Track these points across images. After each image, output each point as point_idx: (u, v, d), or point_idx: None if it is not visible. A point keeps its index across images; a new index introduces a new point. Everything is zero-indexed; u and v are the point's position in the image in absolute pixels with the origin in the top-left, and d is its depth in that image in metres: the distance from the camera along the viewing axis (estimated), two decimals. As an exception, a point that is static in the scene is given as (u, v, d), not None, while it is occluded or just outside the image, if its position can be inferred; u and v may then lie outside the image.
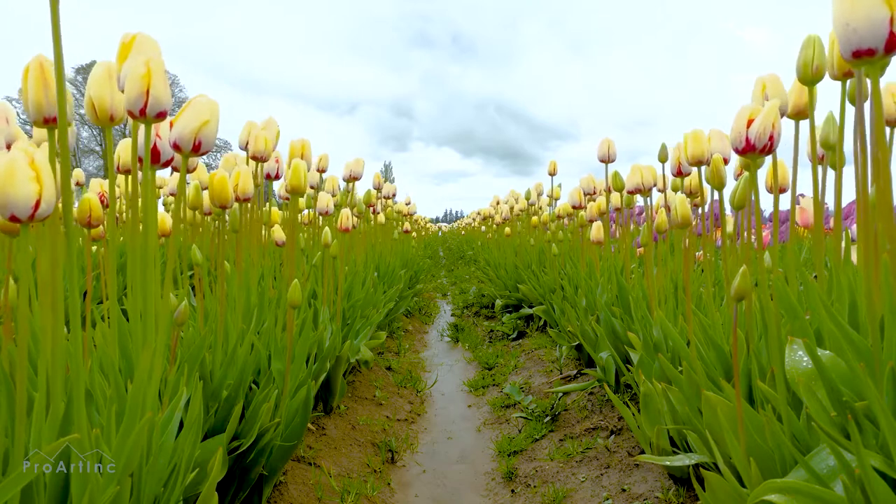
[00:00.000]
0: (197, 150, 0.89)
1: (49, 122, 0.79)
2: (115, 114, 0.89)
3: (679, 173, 1.71)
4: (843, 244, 1.15)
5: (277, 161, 1.83)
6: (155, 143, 0.94)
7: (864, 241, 0.80)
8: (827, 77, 1.01)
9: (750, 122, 0.91)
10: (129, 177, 1.50)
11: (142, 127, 0.88)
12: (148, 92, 0.80)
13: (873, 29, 0.67)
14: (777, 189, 1.19)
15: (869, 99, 0.77)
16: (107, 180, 1.78)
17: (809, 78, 0.99)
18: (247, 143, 1.75)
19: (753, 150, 0.91)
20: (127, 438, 0.76)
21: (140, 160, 0.94)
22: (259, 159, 1.65)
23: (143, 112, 0.81)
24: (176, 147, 0.89)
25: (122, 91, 0.84)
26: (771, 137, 0.91)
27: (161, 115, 0.83)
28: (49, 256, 0.72)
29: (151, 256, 0.86)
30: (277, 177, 1.86)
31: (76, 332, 0.72)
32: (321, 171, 2.58)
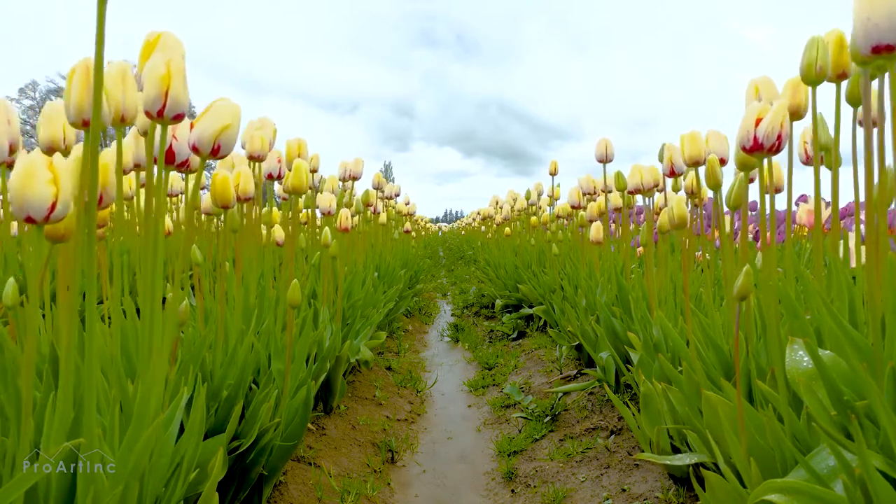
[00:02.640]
0: (216, 153, 0.88)
1: (87, 125, 0.79)
2: (127, 114, 0.89)
3: (672, 174, 1.72)
4: (842, 244, 1.15)
5: (280, 161, 1.83)
6: (171, 145, 0.94)
7: (866, 240, 0.80)
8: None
9: (758, 122, 0.91)
10: (136, 178, 1.51)
11: (149, 127, 0.88)
12: (167, 93, 0.80)
13: (893, 25, 0.68)
14: (773, 189, 1.19)
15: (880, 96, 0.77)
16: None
17: (813, 78, 1.00)
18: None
19: (762, 149, 0.92)
20: (135, 443, 0.76)
21: (151, 160, 0.94)
22: (257, 159, 1.65)
23: (160, 113, 0.81)
24: (195, 149, 0.89)
25: (142, 90, 0.84)
26: (779, 137, 0.91)
27: (178, 118, 0.82)
28: (70, 258, 0.72)
29: (159, 257, 0.86)
30: (280, 177, 1.86)
31: (91, 335, 0.72)
32: (313, 171, 2.58)
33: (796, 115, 1.09)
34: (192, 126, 0.89)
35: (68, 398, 0.71)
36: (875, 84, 0.83)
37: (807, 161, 1.16)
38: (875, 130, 0.81)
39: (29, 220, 0.65)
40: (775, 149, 0.92)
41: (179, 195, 2.63)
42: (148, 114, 0.82)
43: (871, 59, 0.71)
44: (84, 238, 0.74)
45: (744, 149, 0.93)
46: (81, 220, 0.74)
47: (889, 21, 0.68)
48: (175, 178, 2.50)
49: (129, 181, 1.67)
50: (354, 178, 2.88)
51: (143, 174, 1.46)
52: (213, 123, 0.87)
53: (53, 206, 0.65)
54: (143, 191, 1.47)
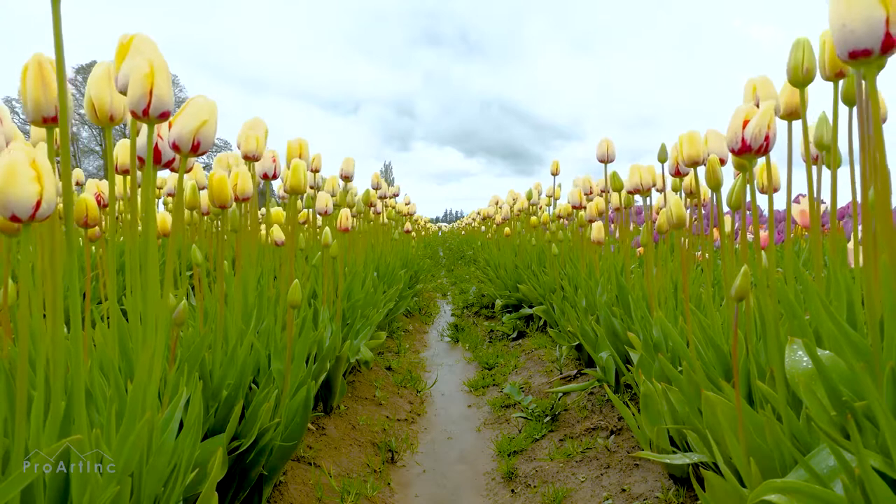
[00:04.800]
0: (196, 150, 0.89)
1: (48, 122, 0.79)
2: (115, 114, 0.89)
3: (678, 174, 1.71)
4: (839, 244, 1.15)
5: (275, 160, 1.83)
6: (157, 144, 0.94)
7: (864, 241, 0.80)
8: (819, 77, 1.01)
9: (746, 123, 0.91)
10: (127, 177, 1.50)
11: (140, 127, 0.88)
12: (151, 92, 0.80)
13: (870, 29, 0.67)
14: (771, 190, 1.19)
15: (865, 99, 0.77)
16: (105, 181, 1.78)
17: (800, 80, 0.99)
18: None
19: (749, 151, 0.91)
20: (127, 438, 0.76)
21: (140, 160, 0.94)
22: (251, 158, 1.65)
23: (146, 112, 0.81)
24: (175, 147, 0.89)
25: (121, 91, 0.84)
26: (766, 138, 0.91)
27: (164, 116, 0.83)
28: (49, 256, 0.72)
29: (151, 256, 0.86)
30: (275, 176, 1.86)
31: (76, 332, 0.72)
32: (315, 170, 2.58)
33: (795, 114, 1.09)
34: (170, 125, 0.89)
35: (56, 395, 0.71)
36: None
37: (808, 161, 1.16)
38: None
39: (14, 219, 0.64)
40: (763, 150, 0.91)
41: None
42: (133, 113, 0.82)
43: (850, 63, 0.70)
44: (64, 236, 0.74)
45: (732, 151, 0.93)
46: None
47: (864, 26, 0.67)
48: (175, 177, 2.50)
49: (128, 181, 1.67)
50: (347, 178, 2.89)
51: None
52: (191, 120, 0.88)
53: (38, 204, 0.64)
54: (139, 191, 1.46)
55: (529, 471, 1.72)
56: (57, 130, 0.79)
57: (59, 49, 0.72)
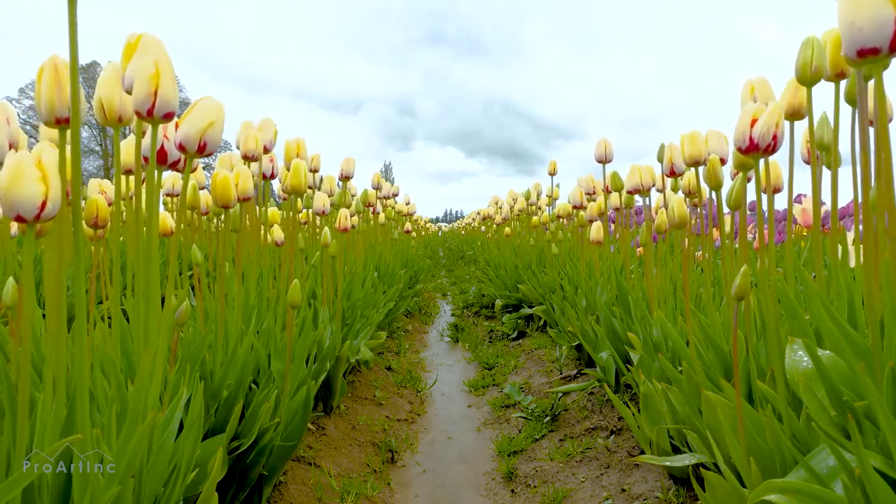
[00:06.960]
0: (202, 151, 0.89)
1: (60, 123, 0.79)
2: (124, 115, 0.89)
3: (672, 174, 1.71)
4: (840, 244, 1.15)
5: (272, 160, 1.83)
6: (162, 144, 0.94)
7: (865, 240, 0.80)
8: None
9: (753, 122, 0.91)
10: (131, 177, 1.51)
11: (146, 127, 0.88)
12: (156, 92, 0.80)
13: (878, 28, 0.67)
14: (771, 189, 1.19)
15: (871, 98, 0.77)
16: (108, 180, 1.78)
17: (808, 78, 0.99)
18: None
19: (757, 150, 0.91)
20: (128, 439, 0.76)
21: (146, 160, 0.94)
22: (251, 159, 1.65)
23: (150, 112, 0.82)
24: (181, 148, 0.89)
25: (127, 91, 0.84)
26: (774, 137, 0.91)
27: (168, 116, 0.83)
28: (56, 257, 0.72)
29: (153, 257, 0.86)
30: (273, 176, 1.86)
31: (80, 333, 0.72)
32: (314, 171, 2.58)
33: (797, 114, 1.09)
34: (177, 125, 0.89)
35: (58, 396, 0.71)
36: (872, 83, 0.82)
37: (808, 161, 1.16)
38: (872, 130, 0.80)
39: (19, 219, 0.64)
40: (771, 149, 0.91)
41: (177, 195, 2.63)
42: (138, 113, 0.82)
43: (857, 62, 0.70)
44: (71, 236, 0.74)
45: (740, 150, 0.93)
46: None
47: (872, 24, 0.67)
48: (177, 178, 2.50)
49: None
50: (347, 178, 2.90)
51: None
52: (198, 121, 0.88)
53: (44, 205, 0.64)
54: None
55: (529, 471, 1.72)
56: (68, 131, 0.79)
57: (74, 50, 0.72)
